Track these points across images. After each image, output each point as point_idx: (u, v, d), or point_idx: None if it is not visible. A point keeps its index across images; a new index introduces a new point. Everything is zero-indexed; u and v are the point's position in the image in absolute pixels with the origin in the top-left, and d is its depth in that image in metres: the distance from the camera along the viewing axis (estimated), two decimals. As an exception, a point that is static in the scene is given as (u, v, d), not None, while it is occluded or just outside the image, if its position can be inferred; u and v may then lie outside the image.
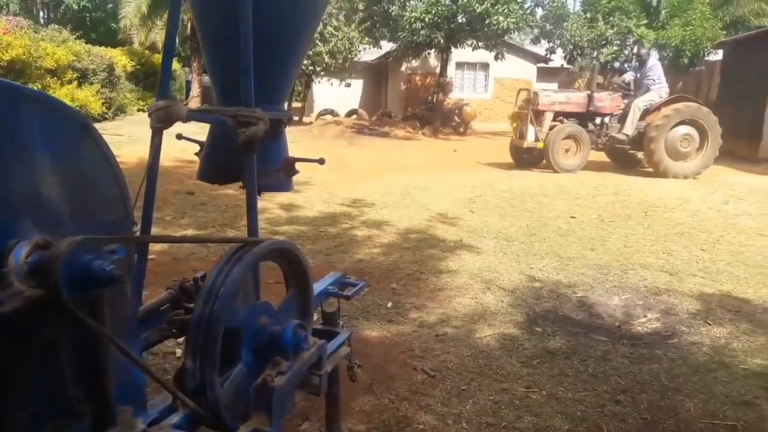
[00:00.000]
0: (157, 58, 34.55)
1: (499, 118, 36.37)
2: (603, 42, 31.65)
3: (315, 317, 3.35)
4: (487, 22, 26.42)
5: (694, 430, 4.41)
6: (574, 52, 32.94)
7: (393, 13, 28.11)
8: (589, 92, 18.19)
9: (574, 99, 18.19)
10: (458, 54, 33.99)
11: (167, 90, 3.16)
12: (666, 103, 17.13)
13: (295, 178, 3.55)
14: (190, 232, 9.37)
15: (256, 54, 2.84)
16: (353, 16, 29.60)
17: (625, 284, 7.50)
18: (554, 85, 37.61)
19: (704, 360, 5.48)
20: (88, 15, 52.20)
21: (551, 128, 17.63)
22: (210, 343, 2.29)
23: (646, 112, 17.27)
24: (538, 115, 17.77)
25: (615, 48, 33.18)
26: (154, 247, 7.63)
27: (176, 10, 3.25)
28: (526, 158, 18.39)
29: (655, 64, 18.00)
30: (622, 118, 17.64)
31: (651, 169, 17.28)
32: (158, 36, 36.81)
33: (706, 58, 31.91)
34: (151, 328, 2.82)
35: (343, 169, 16.10)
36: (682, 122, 16.88)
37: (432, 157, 20.87)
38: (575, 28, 31.47)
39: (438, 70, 33.79)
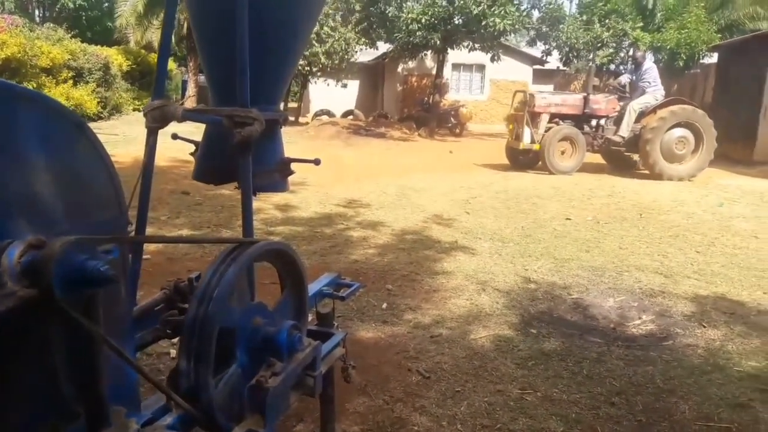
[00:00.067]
0: (153, 57, 34.43)
1: (495, 119, 36.43)
2: (599, 44, 31.71)
3: (310, 318, 3.35)
4: (483, 23, 26.43)
5: (689, 433, 4.42)
6: (570, 55, 33.00)
7: (390, 14, 28.14)
8: (585, 94, 18.19)
9: (570, 101, 18.20)
10: (454, 55, 34.04)
11: (163, 90, 3.15)
12: (661, 106, 17.15)
13: (290, 178, 3.55)
14: (185, 232, 9.35)
15: (252, 54, 2.84)
16: (350, 17, 29.61)
17: (619, 286, 7.50)
18: (550, 87, 37.64)
19: (699, 362, 5.48)
20: (83, 14, 52.08)
21: (547, 130, 17.64)
22: (204, 344, 2.29)
23: (641, 115, 17.28)
24: (534, 117, 17.78)
25: (611, 50, 33.29)
26: (149, 247, 7.62)
27: (172, 9, 3.24)
28: (522, 160, 18.38)
29: (650, 66, 18.02)
30: (618, 121, 17.67)
31: (646, 172, 17.29)
32: (154, 35, 36.74)
33: (701, 61, 32.02)
34: (146, 329, 2.82)
35: (338, 170, 16.09)
36: (677, 125, 16.91)
37: (428, 158, 20.88)
38: (571, 30, 31.52)
39: (434, 72, 33.79)
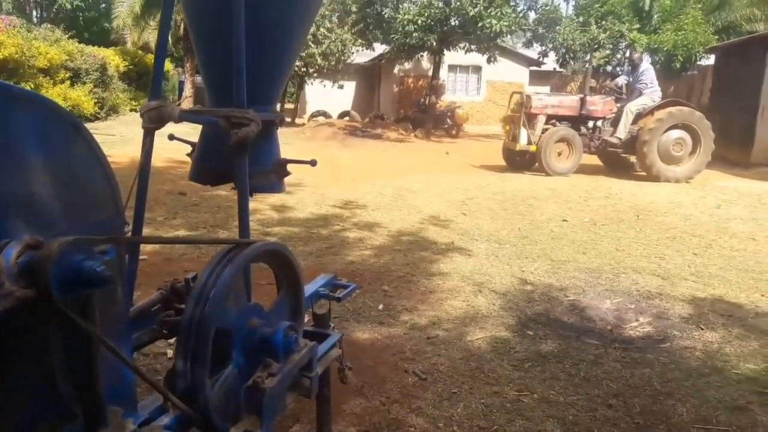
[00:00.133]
0: (150, 58, 34.49)
1: (492, 120, 36.42)
2: (595, 46, 31.71)
3: (306, 319, 3.35)
4: (479, 25, 26.43)
5: (686, 435, 4.42)
6: (567, 56, 33.02)
7: (386, 16, 28.12)
8: (581, 96, 18.20)
9: (567, 102, 18.22)
10: (451, 57, 34.01)
11: (160, 90, 3.15)
12: (659, 107, 17.16)
13: (286, 179, 3.55)
14: (181, 232, 9.35)
15: (249, 55, 2.84)
16: (346, 18, 29.61)
17: (616, 288, 7.50)
18: (546, 89, 37.60)
19: (696, 364, 5.48)
20: (81, 14, 52.00)
21: (544, 131, 17.66)
22: (201, 345, 2.29)
23: (638, 116, 17.29)
24: (531, 118, 17.81)
25: (607, 52, 33.30)
26: (146, 248, 7.61)
27: (169, 10, 3.25)
28: (519, 161, 18.40)
29: (647, 68, 18.02)
30: (615, 122, 17.69)
31: (643, 173, 17.30)
32: (151, 36, 36.70)
33: (698, 63, 32.03)
34: (142, 329, 2.81)
35: (335, 171, 16.10)
36: (674, 126, 16.92)
37: (424, 159, 20.88)
38: (568, 31, 31.56)
39: (431, 73, 33.78)
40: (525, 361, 5.45)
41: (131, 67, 34.49)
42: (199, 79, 32.77)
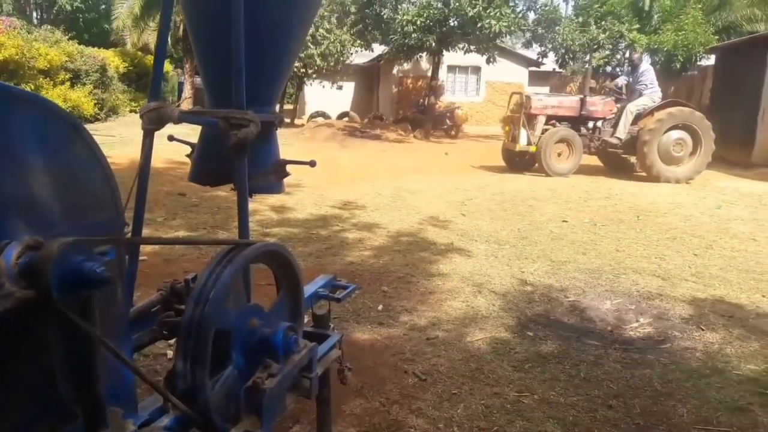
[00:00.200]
0: (150, 59, 34.46)
1: (491, 121, 36.44)
2: (595, 46, 31.69)
3: (306, 320, 3.35)
4: (479, 25, 26.40)
5: (686, 435, 4.42)
6: (566, 56, 32.98)
7: (385, 16, 28.10)
8: (581, 96, 18.20)
9: (567, 103, 18.21)
10: (450, 57, 33.98)
11: (159, 91, 3.15)
12: (659, 108, 17.15)
13: (286, 180, 3.54)
14: (181, 233, 9.35)
15: (248, 56, 2.84)
16: (345, 19, 29.60)
17: (617, 289, 7.50)
18: (546, 89, 37.59)
19: (697, 365, 5.47)
20: (81, 16, 52.06)
21: (544, 132, 17.66)
22: (201, 345, 2.29)
23: (638, 117, 17.28)
24: (531, 119, 17.81)
25: (607, 52, 33.30)
26: (146, 249, 7.60)
27: (168, 11, 3.25)
28: (518, 162, 18.41)
29: (647, 68, 18.02)
30: (615, 123, 17.67)
31: (643, 174, 17.29)
32: (151, 37, 36.70)
33: (698, 63, 32.01)
34: (142, 330, 2.81)
35: (334, 172, 16.09)
36: (675, 127, 16.91)
37: (423, 160, 20.87)
38: (567, 32, 31.52)
39: (430, 73, 33.75)
40: (525, 362, 5.45)
41: (131, 68, 34.49)
42: (198, 80, 32.78)
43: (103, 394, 1.90)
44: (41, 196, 1.89)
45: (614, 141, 17.55)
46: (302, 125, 31.32)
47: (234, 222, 9.22)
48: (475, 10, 26.11)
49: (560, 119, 18.07)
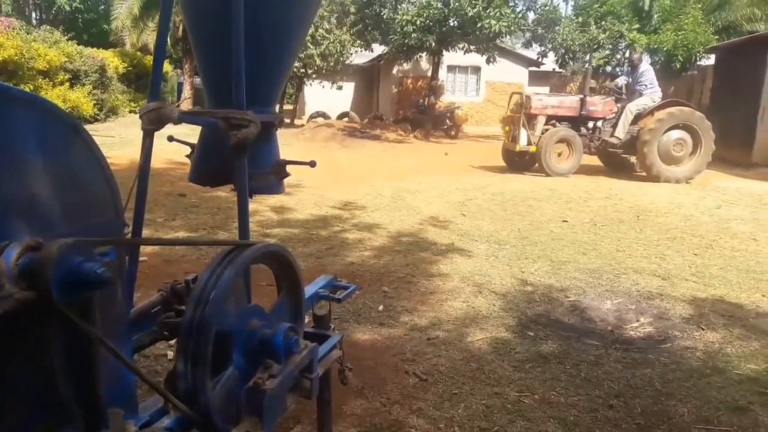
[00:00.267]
0: (149, 59, 34.48)
1: (491, 121, 36.47)
2: (595, 46, 31.69)
3: (306, 320, 3.34)
4: (479, 25, 26.39)
5: (687, 435, 4.41)
6: (566, 56, 32.98)
7: (384, 16, 28.08)
8: (581, 96, 18.19)
9: (567, 103, 18.21)
10: (450, 57, 33.99)
11: (158, 92, 3.15)
12: (659, 108, 17.15)
13: (286, 180, 3.54)
14: (181, 234, 9.35)
15: (248, 56, 2.83)
16: (345, 19, 29.59)
17: (617, 288, 7.49)
18: (546, 89, 37.57)
19: (698, 365, 5.47)
20: (80, 16, 52.11)
21: (544, 132, 17.66)
22: (201, 346, 2.28)
23: (638, 117, 17.28)
24: (531, 119, 17.81)
25: (607, 52, 33.31)
26: (146, 249, 7.60)
27: (167, 11, 3.24)
28: (518, 162, 18.41)
29: (647, 69, 18.02)
30: (615, 123, 17.65)
31: (644, 174, 17.29)
32: (150, 37, 36.72)
33: (698, 63, 31.99)
34: (143, 331, 2.81)
35: (334, 172, 16.08)
36: (675, 126, 16.91)
37: (423, 160, 20.86)
38: (567, 32, 31.52)
39: (429, 73, 33.77)
40: (526, 361, 5.44)
41: (130, 68, 34.55)
42: (198, 80, 32.82)
43: (104, 395, 1.89)
44: (41, 197, 1.88)
45: (614, 141, 17.55)
46: (302, 125, 31.31)
47: (234, 222, 9.22)
48: (475, 10, 26.11)
49: (560, 119, 18.08)
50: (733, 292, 7.48)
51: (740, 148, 20.76)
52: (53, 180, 1.93)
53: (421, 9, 27.30)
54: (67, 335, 1.77)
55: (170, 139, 3.46)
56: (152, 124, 2.95)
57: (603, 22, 32.25)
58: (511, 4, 28.66)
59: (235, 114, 2.83)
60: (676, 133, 16.93)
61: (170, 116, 2.93)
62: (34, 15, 53.11)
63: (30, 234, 1.74)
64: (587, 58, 28.99)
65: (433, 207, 12.19)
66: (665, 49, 32.25)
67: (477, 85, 40.56)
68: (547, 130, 17.71)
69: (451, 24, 28.40)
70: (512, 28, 28.01)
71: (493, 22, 26.06)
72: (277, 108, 3.68)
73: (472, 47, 29.51)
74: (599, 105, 17.96)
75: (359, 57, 35.80)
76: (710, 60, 29.23)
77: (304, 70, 29.35)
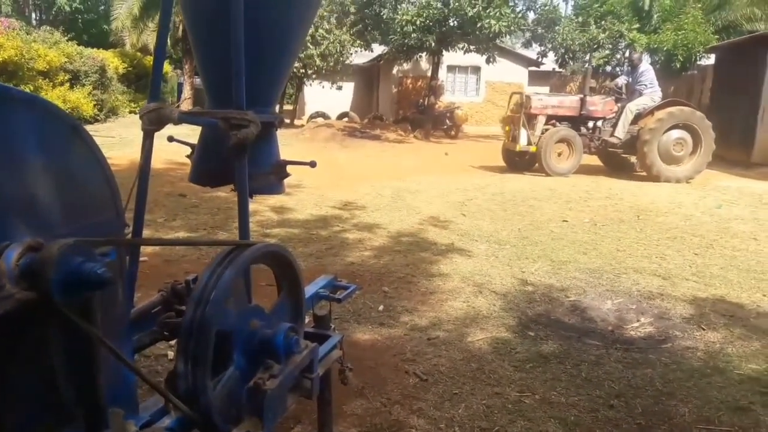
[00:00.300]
0: (149, 60, 34.50)
1: (491, 121, 36.46)
2: (595, 46, 31.69)
3: (306, 320, 3.34)
4: (478, 25, 26.37)
5: (688, 435, 4.41)
6: (566, 56, 32.97)
7: (384, 16, 28.06)
8: (581, 96, 18.19)
9: (567, 103, 18.21)
10: (450, 57, 33.98)
11: (158, 92, 3.15)
12: (659, 107, 17.13)
13: (286, 180, 3.53)
14: (181, 234, 9.34)
15: (248, 56, 2.83)
16: (345, 19, 29.58)
17: (617, 288, 7.49)
18: (546, 89, 37.56)
19: (698, 365, 5.47)
20: (80, 17, 52.11)
21: (544, 132, 17.65)
22: (201, 346, 2.28)
23: (638, 116, 17.26)
24: (531, 119, 17.80)
25: (607, 52, 33.31)
26: (146, 250, 7.60)
27: (167, 12, 3.24)
28: (519, 162, 18.40)
29: (646, 68, 18.02)
30: (615, 122, 17.64)
31: (644, 173, 17.29)
32: (150, 38, 36.75)
33: (698, 63, 31.99)
34: (143, 331, 2.81)
35: (334, 172, 16.08)
36: (675, 126, 16.89)
37: (423, 160, 20.86)
38: (567, 31, 31.51)
39: (429, 74, 33.75)
40: (526, 361, 5.44)
41: (130, 69, 34.53)
42: (198, 80, 32.82)
43: (105, 395, 1.89)
44: (41, 198, 1.88)
45: (614, 141, 17.54)
46: (302, 126, 31.30)
47: (234, 223, 9.22)
48: (475, 9, 26.09)
49: (560, 119, 18.07)
50: (733, 291, 7.47)
51: (740, 148, 20.75)
52: (54, 180, 1.93)
53: (421, 9, 27.29)
54: (68, 335, 1.77)
55: (170, 139, 3.46)
56: (152, 124, 2.95)
57: (603, 22, 32.25)
58: (510, 3, 28.65)
59: (235, 114, 2.83)
60: (676, 133, 16.92)
61: (170, 117, 2.93)
62: (34, 15, 53.11)
63: (31, 234, 1.74)
64: (587, 57, 29.02)
65: (433, 207, 12.19)
66: (665, 48, 32.25)
67: (477, 85, 40.55)
68: (547, 129, 17.70)
69: (451, 24, 28.38)
70: (512, 27, 27.99)
71: (492, 21, 26.04)
72: (277, 108, 3.68)
73: (471, 47, 29.50)
74: (599, 105, 17.96)
75: (359, 57, 35.80)
76: (710, 60, 29.23)
77: (303, 71, 29.35)
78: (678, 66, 31.86)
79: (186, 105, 33.52)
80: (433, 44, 28.57)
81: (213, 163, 3.31)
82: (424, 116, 31.01)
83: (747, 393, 4.97)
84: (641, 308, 6.87)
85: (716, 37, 31.78)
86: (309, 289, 3.65)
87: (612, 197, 13.99)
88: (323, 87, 33.85)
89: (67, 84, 26.53)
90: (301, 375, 2.85)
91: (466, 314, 6.52)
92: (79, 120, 2.93)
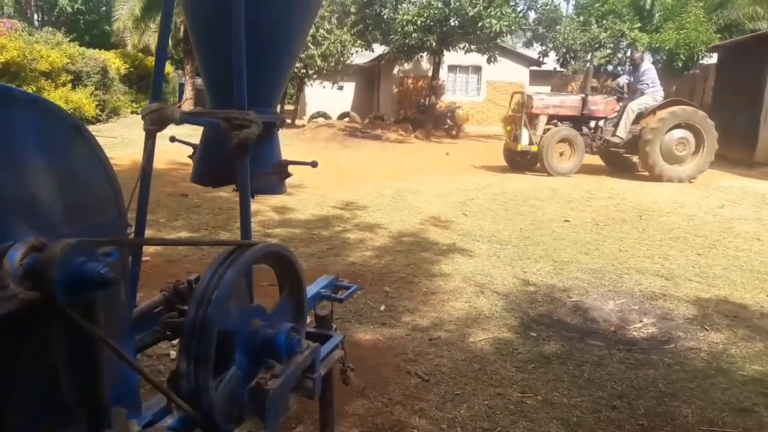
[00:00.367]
0: (151, 60, 34.50)
1: (492, 121, 36.39)
2: (596, 45, 31.69)
3: (308, 320, 3.34)
4: (479, 25, 26.37)
5: (691, 436, 4.41)
6: (567, 56, 32.99)
7: (385, 16, 28.07)
8: (583, 95, 18.18)
9: (569, 102, 18.20)
10: (450, 57, 33.94)
11: (160, 92, 3.14)
12: (662, 107, 17.11)
13: (287, 180, 3.53)
14: (183, 234, 9.35)
15: (249, 56, 2.83)
16: (345, 19, 29.59)
17: (620, 289, 7.48)
18: (547, 89, 37.54)
19: (702, 366, 5.46)
20: (81, 18, 52.04)
21: (545, 131, 17.64)
22: (203, 346, 2.28)
23: (640, 116, 17.24)
24: (532, 119, 17.79)
25: (608, 51, 33.30)
26: (148, 249, 7.60)
27: (169, 12, 3.24)
28: (520, 161, 18.39)
29: (648, 68, 17.99)
30: (617, 122, 17.62)
31: (646, 173, 17.27)
32: (151, 38, 36.74)
33: (700, 62, 31.97)
34: (145, 330, 2.81)
35: (335, 172, 16.08)
36: (677, 126, 16.87)
37: (424, 160, 20.86)
38: (568, 31, 31.54)
39: (430, 73, 33.73)
40: (528, 362, 5.44)
41: (132, 69, 34.54)
42: (199, 81, 32.80)
43: (107, 395, 1.90)
44: (44, 198, 1.89)
45: (616, 140, 17.51)
46: (303, 126, 31.30)
47: (236, 223, 9.20)
48: (476, 9, 26.09)
49: (562, 119, 18.06)
50: (737, 292, 7.47)
51: (743, 148, 20.75)
52: (56, 180, 1.94)
53: (422, 9, 27.28)
54: (71, 335, 1.78)
55: (172, 139, 3.46)
56: (154, 124, 2.95)
57: (604, 21, 32.28)
58: (511, 3, 28.67)
59: (237, 114, 2.83)
60: (679, 133, 16.90)
61: (172, 117, 2.93)
62: (36, 17, 53.15)
63: (34, 234, 1.74)
64: (588, 57, 29.03)
65: (435, 207, 12.19)
66: (667, 47, 32.24)
67: (478, 84, 40.51)
68: (548, 129, 17.69)
69: (452, 24, 28.36)
70: (513, 27, 28.00)
71: (493, 21, 26.04)
72: (278, 108, 3.68)
73: (472, 47, 29.48)
74: (601, 104, 17.95)
75: (360, 57, 35.79)
76: (712, 59, 29.19)
77: (304, 71, 29.38)
78: (680, 65, 31.85)
79: (187, 105, 33.56)
80: (433, 44, 28.57)
81: (215, 164, 3.31)
82: (425, 116, 31.02)
83: (750, 394, 4.96)
84: (644, 309, 6.86)
85: (718, 36, 31.79)
86: (310, 289, 3.64)
87: (614, 197, 13.98)
88: (324, 87, 33.87)
89: (70, 85, 26.58)
90: (303, 375, 2.85)
91: (467, 314, 6.52)
92: (81, 120, 2.93)
